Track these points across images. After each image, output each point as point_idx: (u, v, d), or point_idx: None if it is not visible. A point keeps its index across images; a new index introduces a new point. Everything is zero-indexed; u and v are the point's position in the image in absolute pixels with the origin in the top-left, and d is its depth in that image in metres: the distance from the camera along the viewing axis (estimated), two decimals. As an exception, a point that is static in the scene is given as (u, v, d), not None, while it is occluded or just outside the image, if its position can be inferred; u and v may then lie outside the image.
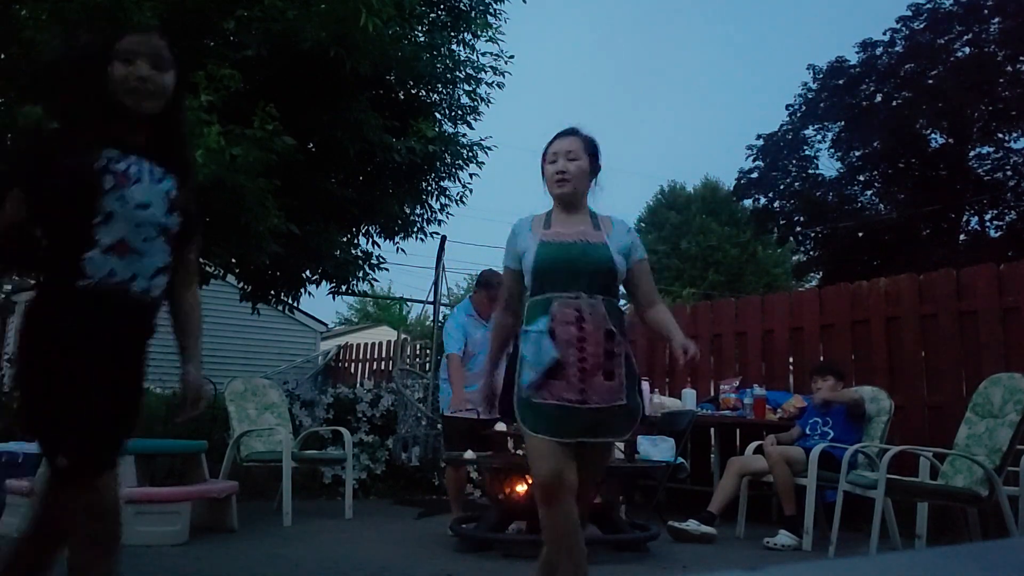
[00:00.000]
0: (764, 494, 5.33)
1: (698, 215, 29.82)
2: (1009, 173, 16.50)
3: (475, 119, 7.16)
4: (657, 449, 5.42)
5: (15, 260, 2.07)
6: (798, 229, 18.64)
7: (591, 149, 2.67)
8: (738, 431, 6.22)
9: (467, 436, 4.96)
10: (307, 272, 6.82)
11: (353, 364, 11.76)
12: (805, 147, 18.25)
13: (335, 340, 15.40)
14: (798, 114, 17.93)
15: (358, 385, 8.40)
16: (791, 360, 6.30)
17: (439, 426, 5.74)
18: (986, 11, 15.70)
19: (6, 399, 6.23)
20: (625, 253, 2.60)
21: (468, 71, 6.93)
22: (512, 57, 7.04)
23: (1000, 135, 16.36)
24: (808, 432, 4.98)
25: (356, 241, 7.00)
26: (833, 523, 4.29)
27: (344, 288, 7.03)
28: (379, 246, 7.04)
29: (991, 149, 16.67)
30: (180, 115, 2.13)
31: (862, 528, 4.43)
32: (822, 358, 5.92)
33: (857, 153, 17.74)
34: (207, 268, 6.87)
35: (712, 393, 6.47)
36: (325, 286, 6.94)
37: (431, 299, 8.67)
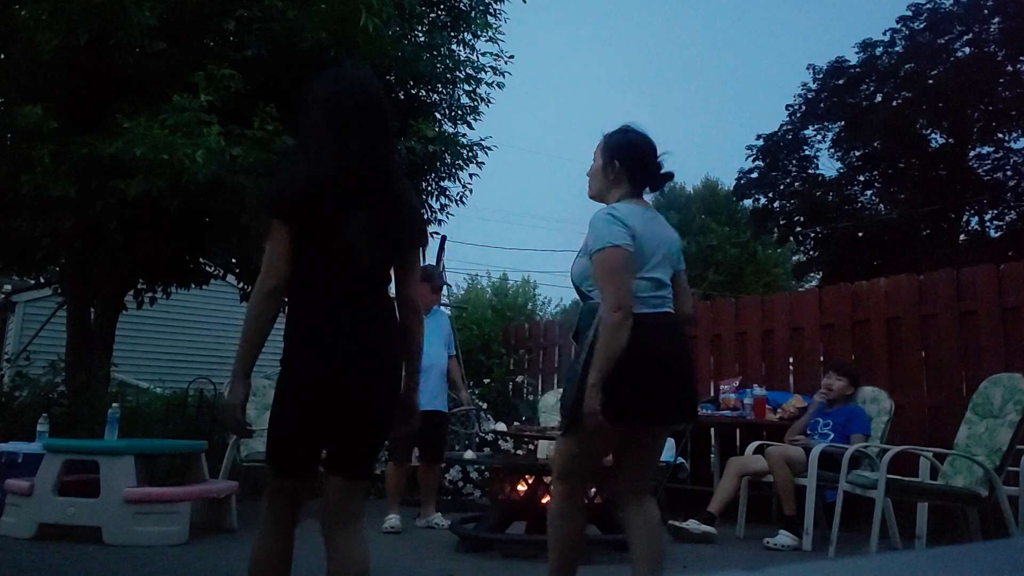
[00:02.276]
0: (764, 494, 5.33)
1: (698, 215, 29.83)
2: (1009, 173, 16.50)
3: (475, 119, 7.16)
4: (657, 449, 5.41)
5: None
6: (798, 229, 18.64)
7: (604, 146, 2.65)
8: (738, 431, 6.21)
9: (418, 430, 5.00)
10: (307, 272, 6.80)
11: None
12: (805, 147, 18.26)
13: (335, 340, 15.34)
14: (798, 114, 17.94)
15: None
16: (791, 360, 6.29)
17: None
18: (986, 11, 15.70)
19: (6, 399, 6.22)
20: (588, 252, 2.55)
21: (468, 71, 6.93)
22: (512, 57, 7.04)
23: (1000, 135, 16.36)
24: (808, 432, 4.98)
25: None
26: (833, 523, 4.29)
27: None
28: (379, 246, 7.04)
29: (991, 149, 16.68)
30: None
31: (862, 528, 4.43)
32: (822, 358, 5.92)
33: (857, 153, 17.75)
34: (207, 268, 6.88)
35: (712, 393, 6.46)
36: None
37: (431, 299, 8.66)
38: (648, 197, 2.72)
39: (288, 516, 2.06)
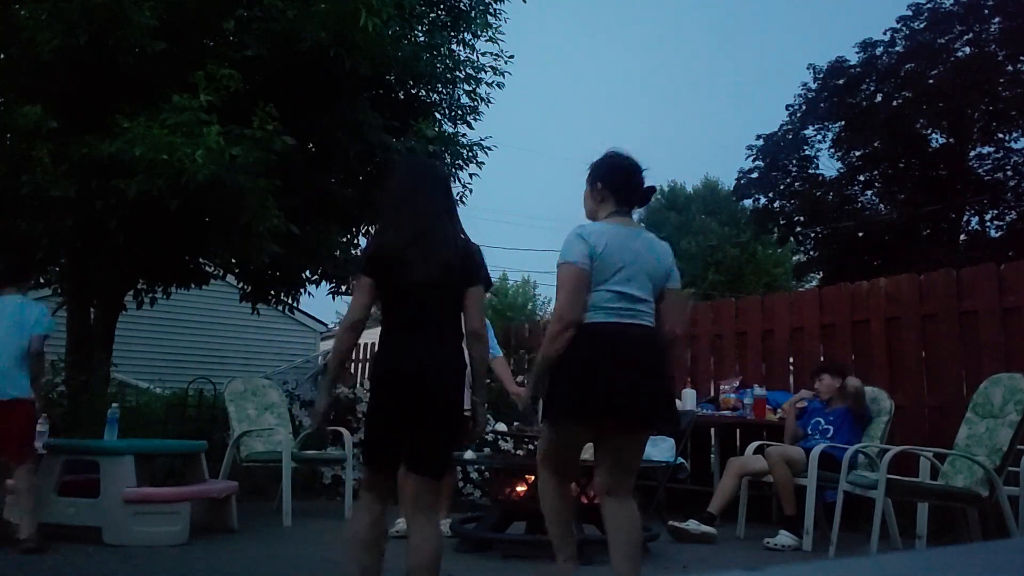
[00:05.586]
0: (764, 494, 5.33)
1: (698, 215, 29.83)
2: (1009, 173, 16.48)
3: (475, 119, 7.16)
4: (657, 449, 5.42)
5: None
6: (798, 229, 18.62)
7: (590, 171, 2.90)
8: (738, 431, 6.22)
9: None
10: (307, 272, 6.81)
11: (353, 364, 11.73)
12: (805, 147, 18.22)
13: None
14: (798, 114, 17.90)
15: (358, 385, 8.40)
16: (791, 360, 6.29)
17: None
18: (986, 11, 15.68)
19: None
20: None
21: (468, 71, 6.93)
22: (512, 57, 7.04)
23: (1000, 135, 16.34)
24: (809, 432, 4.97)
25: (356, 241, 7.00)
26: (833, 523, 4.29)
27: (344, 288, 7.03)
28: (379, 246, 7.04)
29: (991, 149, 16.65)
30: None
31: (862, 528, 4.43)
32: (822, 358, 5.91)
33: (857, 153, 17.71)
34: (207, 268, 6.88)
35: (712, 393, 6.46)
36: (325, 286, 6.94)
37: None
38: (650, 199, 2.94)
39: (379, 499, 2.60)
